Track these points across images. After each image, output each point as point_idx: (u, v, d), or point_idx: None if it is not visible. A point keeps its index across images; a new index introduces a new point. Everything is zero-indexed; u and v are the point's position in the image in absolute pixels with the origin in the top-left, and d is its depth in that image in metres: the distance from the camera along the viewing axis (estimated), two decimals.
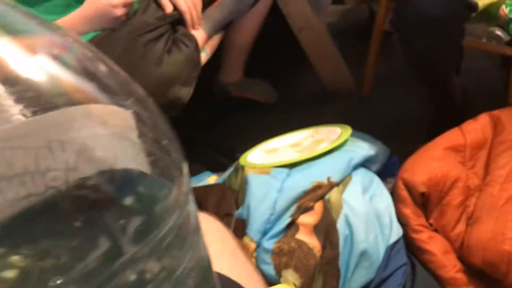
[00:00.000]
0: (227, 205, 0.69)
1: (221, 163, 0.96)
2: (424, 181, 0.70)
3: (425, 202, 0.71)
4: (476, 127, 0.78)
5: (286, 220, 0.62)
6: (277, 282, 0.59)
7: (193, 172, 1.01)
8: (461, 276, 0.66)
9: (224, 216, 0.69)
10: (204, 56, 0.92)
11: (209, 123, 1.15)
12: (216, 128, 1.16)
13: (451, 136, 0.78)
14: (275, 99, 1.19)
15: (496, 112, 0.79)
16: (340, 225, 0.63)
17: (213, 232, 0.37)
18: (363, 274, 0.64)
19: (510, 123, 0.75)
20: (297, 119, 1.05)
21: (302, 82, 1.25)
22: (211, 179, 0.85)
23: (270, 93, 1.17)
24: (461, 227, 0.70)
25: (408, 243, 0.70)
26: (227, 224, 0.66)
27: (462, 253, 0.68)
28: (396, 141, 0.96)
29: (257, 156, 0.81)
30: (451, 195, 0.71)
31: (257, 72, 1.18)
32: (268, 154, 0.81)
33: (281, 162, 0.71)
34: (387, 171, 0.82)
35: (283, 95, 1.17)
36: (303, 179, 0.66)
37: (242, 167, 0.72)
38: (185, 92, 0.79)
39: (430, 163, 0.72)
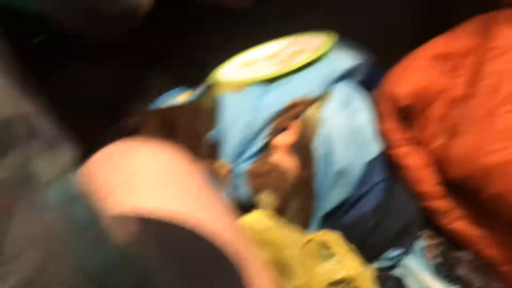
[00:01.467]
0: (198, 126, 0.65)
1: (194, 77, 0.90)
2: (407, 93, 0.66)
3: (408, 115, 0.68)
4: (465, 33, 0.73)
5: (261, 141, 0.59)
6: (253, 204, 0.57)
7: (164, 88, 0.95)
8: (437, 189, 0.66)
9: (196, 138, 0.65)
10: None
11: (180, 33, 1.06)
12: (188, 38, 1.07)
13: (438, 44, 0.73)
14: (251, 3, 1.08)
15: (487, 16, 0.73)
16: (317, 143, 0.60)
17: (173, 168, 0.33)
18: (340, 192, 0.63)
19: (502, 28, 0.69)
20: (278, 25, 0.97)
21: None
22: (182, 96, 0.80)
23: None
24: (441, 140, 0.68)
25: (387, 158, 0.69)
26: (199, 147, 0.63)
27: (441, 167, 0.67)
28: (381, 50, 0.91)
29: (232, 70, 0.75)
30: (435, 106, 0.68)
31: None
32: (244, 68, 0.76)
33: (256, 78, 0.66)
34: (371, 82, 0.78)
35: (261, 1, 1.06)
36: (279, 97, 0.61)
37: (214, 85, 0.67)
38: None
39: (414, 73, 0.68)
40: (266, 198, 0.56)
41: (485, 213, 0.63)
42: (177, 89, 0.89)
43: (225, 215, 0.34)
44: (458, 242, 0.65)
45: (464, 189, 0.64)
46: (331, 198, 0.63)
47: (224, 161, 0.58)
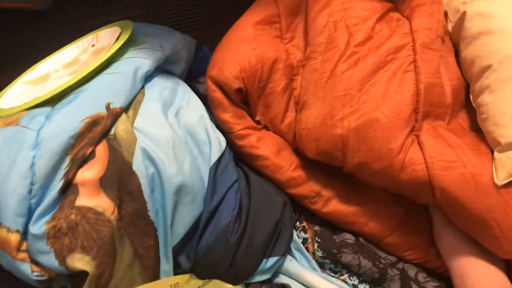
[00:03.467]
0: None
1: None
2: (236, 74, 0.55)
3: (245, 97, 0.58)
4: None
5: (57, 185, 0.43)
6: (65, 272, 0.42)
7: None
8: (299, 174, 0.56)
9: None
10: None
11: None
12: None
13: (261, 6, 0.63)
14: (49, 4, 0.88)
15: None
16: (138, 164, 0.46)
17: None
18: (188, 212, 0.50)
19: None
20: (80, 24, 0.79)
21: None
22: None
23: None
24: (291, 115, 0.59)
25: (235, 152, 0.58)
26: None
27: (296, 146, 0.57)
28: (207, 26, 0.78)
29: (19, 92, 0.57)
30: (273, 80, 0.58)
31: None
32: (34, 87, 0.58)
33: (35, 100, 0.49)
34: (198, 69, 0.66)
35: None
36: (69, 118, 0.45)
37: None
38: None
39: (239, 48, 0.57)
40: (78, 262, 0.40)
41: (355, 187, 0.56)
42: None
43: None
44: (336, 224, 0.57)
45: (327, 165, 0.55)
46: (179, 223, 0.49)
47: (7, 227, 0.41)
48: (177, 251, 0.51)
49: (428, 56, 0.54)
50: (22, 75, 0.62)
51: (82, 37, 0.66)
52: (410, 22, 0.58)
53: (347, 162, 0.52)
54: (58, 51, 0.65)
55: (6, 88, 0.59)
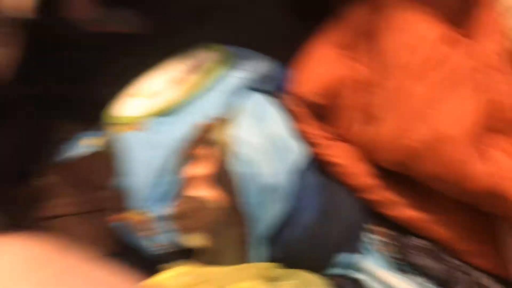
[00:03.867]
0: (102, 175, 0.57)
1: (96, 119, 0.81)
2: (313, 90, 0.63)
3: (321, 111, 0.65)
4: (356, 14, 0.70)
5: (174, 178, 0.53)
6: (182, 248, 0.51)
7: (70, 134, 0.86)
8: (374, 181, 0.63)
9: (102, 188, 0.58)
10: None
11: (73, 73, 0.97)
12: (84, 76, 0.98)
13: (332, 30, 0.70)
14: (140, 27, 1.01)
15: None
16: (237, 165, 0.55)
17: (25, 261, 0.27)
18: (275, 209, 0.58)
19: (388, 2, 0.67)
20: (173, 46, 0.91)
21: None
22: (85, 142, 0.72)
23: (132, 20, 0.99)
24: (361, 128, 0.65)
25: (314, 160, 0.65)
26: (106, 198, 0.56)
27: (369, 156, 0.64)
28: (286, 50, 0.87)
29: (130, 105, 0.68)
30: (343, 96, 0.64)
31: None
32: (144, 100, 0.69)
33: (154, 110, 0.59)
34: (281, 87, 0.74)
35: (149, 19, 0.99)
36: (183, 125, 0.55)
37: (110, 125, 0.60)
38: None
39: (315, 68, 0.65)
40: (196, 239, 0.50)
41: (428, 194, 0.61)
42: (81, 134, 0.80)
43: None
44: (409, 230, 0.62)
45: (400, 174, 0.61)
46: (266, 219, 0.57)
47: (138, 209, 0.51)
48: (269, 241, 0.59)
49: (494, 75, 0.59)
50: (129, 89, 0.74)
51: (180, 59, 0.77)
52: (476, 43, 0.63)
53: (418, 172, 0.58)
54: (159, 70, 0.76)
55: (120, 101, 0.71)
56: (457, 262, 0.60)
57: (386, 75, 0.63)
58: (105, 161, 0.60)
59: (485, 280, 0.59)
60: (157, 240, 0.52)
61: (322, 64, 0.65)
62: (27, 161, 0.88)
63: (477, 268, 0.59)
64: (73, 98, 0.93)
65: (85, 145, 0.70)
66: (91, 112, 0.91)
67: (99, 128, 0.70)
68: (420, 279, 0.60)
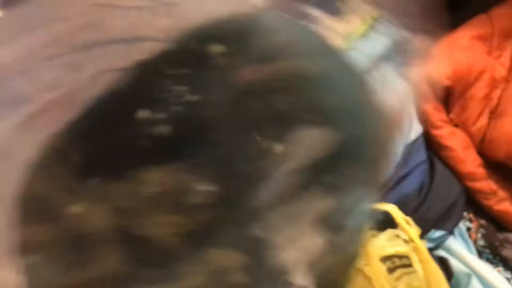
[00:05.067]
0: None
1: None
2: (448, 74, 0.65)
3: (448, 96, 0.68)
4: (506, 12, 0.71)
5: None
6: None
7: None
8: (481, 171, 0.65)
9: None
10: None
11: None
12: None
13: (478, 24, 0.72)
14: None
15: None
16: None
17: None
18: None
19: None
20: None
21: None
22: None
23: None
24: (483, 121, 0.67)
25: (427, 139, 0.68)
26: None
27: (483, 148, 0.66)
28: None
29: None
30: (476, 87, 0.67)
31: None
32: None
33: None
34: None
35: None
36: None
37: None
38: None
39: (454, 54, 0.67)
40: None
41: None
42: None
43: None
44: (502, 224, 0.64)
45: (509, 169, 0.62)
46: None
47: None
48: None
49: None
50: None
51: None
52: None
53: None
54: None
55: None
56: None
57: None
58: None
59: None
60: None
61: (462, 53, 0.67)
62: None
63: None
64: None
65: None
66: None
67: None
68: (508, 274, 0.61)
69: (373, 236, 0.49)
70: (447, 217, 0.64)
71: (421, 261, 0.40)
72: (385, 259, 0.49)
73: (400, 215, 0.39)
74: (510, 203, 0.63)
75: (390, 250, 0.48)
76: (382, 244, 0.48)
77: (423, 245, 0.39)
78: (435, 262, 0.64)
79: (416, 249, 0.40)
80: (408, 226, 0.39)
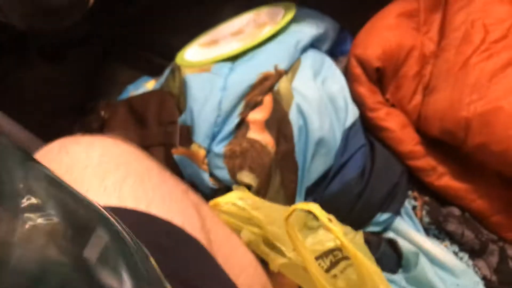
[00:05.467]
0: (169, 112, 0.62)
1: (159, 64, 0.87)
2: (378, 55, 0.64)
3: (381, 77, 0.67)
4: None
5: (234, 120, 0.57)
6: (233, 184, 0.55)
7: (131, 78, 0.91)
8: (419, 149, 0.65)
9: (167, 124, 0.63)
10: None
11: (137, 20, 1.02)
12: (147, 25, 1.03)
13: (404, 1, 0.71)
14: None
15: None
16: (293, 116, 0.58)
17: (113, 158, 0.31)
18: (322, 162, 0.61)
19: None
20: (237, 3, 0.93)
21: None
22: (149, 84, 0.77)
23: None
24: (418, 98, 0.67)
25: (365, 122, 0.68)
26: (171, 133, 0.60)
27: (420, 125, 0.66)
28: (346, 13, 0.88)
29: (196, 52, 0.72)
30: (407, 65, 0.66)
31: None
32: (208, 48, 0.73)
33: (221, 56, 0.63)
34: (339, 49, 0.76)
35: None
36: (247, 72, 0.59)
37: (179, 68, 0.64)
38: None
39: (382, 34, 0.66)
40: (245, 177, 0.54)
41: (469, 166, 0.63)
42: (143, 77, 0.85)
43: (174, 199, 0.32)
44: (445, 198, 0.64)
45: (446, 144, 0.63)
46: (314, 169, 0.61)
47: (199, 144, 0.56)
48: (308, 192, 0.62)
49: None
50: (196, 39, 0.78)
51: (245, 12, 0.80)
52: None
53: (467, 142, 0.59)
54: (224, 22, 0.80)
55: (186, 47, 0.75)
56: (491, 235, 0.62)
57: (453, 50, 0.63)
58: (168, 99, 0.64)
59: None
60: (214, 175, 0.56)
61: (390, 32, 0.66)
62: (89, 98, 0.95)
63: (511, 242, 0.61)
64: (135, 44, 0.99)
65: (147, 85, 0.76)
66: (153, 57, 0.96)
67: (159, 71, 0.75)
68: (454, 247, 0.62)
69: (313, 231, 0.48)
70: (392, 199, 0.64)
71: (351, 257, 0.39)
72: (328, 253, 0.48)
73: (323, 214, 0.38)
74: (449, 177, 0.63)
75: (330, 244, 0.46)
76: (322, 238, 0.47)
77: (348, 243, 0.37)
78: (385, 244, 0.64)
79: (343, 247, 0.39)
80: (331, 225, 0.38)
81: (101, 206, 0.18)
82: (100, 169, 0.29)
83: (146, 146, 0.65)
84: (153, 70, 0.87)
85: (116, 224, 0.17)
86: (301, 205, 0.40)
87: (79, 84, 1.03)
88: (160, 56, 0.88)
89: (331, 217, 0.40)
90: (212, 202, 0.48)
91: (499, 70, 0.59)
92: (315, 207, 0.39)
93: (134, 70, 0.97)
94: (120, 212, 0.26)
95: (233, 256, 0.42)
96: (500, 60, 0.59)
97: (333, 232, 0.37)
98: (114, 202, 0.27)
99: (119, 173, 0.29)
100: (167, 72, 0.68)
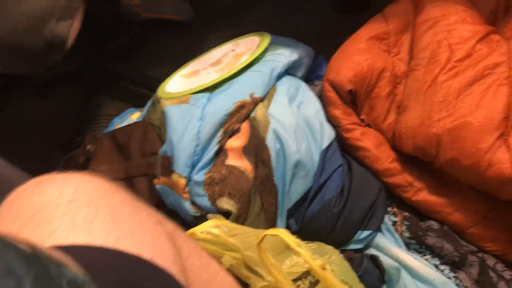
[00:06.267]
0: (151, 143, 0.64)
1: (145, 95, 0.89)
2: (350, 78, 0.67)
3: (354, 98, 0.69)
4: (398, 10, 0.75)
5: (213, 148, 0.59)
6: (214, 212, 0.57)
7: (119, 110, 0.94)
8: (395, 166, 0.67)
9: (149, 155, 0.65)
10: None
11: (125, 53, 1.05)
12: (134, 57, 1.06)
13: (374, 25, 0.74)
14: (191, 16, 1.08)
15: None
16: (270, 141, 0.61)
17: (85, 194, 0.32)
18: (301, 184, 0.63)
19: (430, 1, 0.71)
20: (219, 34, 0.97)
21: None
22: (134, 116, 0.79)
23: (184, 10, 1.07)
24: (391, 117, 0.69)
25: (342, 143, 0.70)
26: (153, 163, 0.62)
27: (394, 143, 0.68)
28: (322, 40, 0.92)
29: (177, 83, 0.75)
30: (379, 86, 0.69)
31: None
32: (188, 79, 0.75)
33: (199, 87, 0.66)
34: (314, 74, 0.79)
35: (199, 9, 1.06)
36: (224, 101, 0.61)
37: (159, 100, 0.67)
38: (65, 28, 0.67)
39: (354, 58, 0.69)
40: (225, 204, 0.55)
41: (445, 181, 0.65)
42: (129, 109, 0.88)
43: (145, 230, 0.33)
44: (423, 213, 0.66)
45: (421, 160, 0.65)
46: (293, 191, 0.63)
47: (179, 174, 0.58)
48: (289, 213, 0.64)
49: None
50: (177, 70, 0.81)
51: (223, 43, 0.83)
52: (509, 43, 0.65)
53: (439, 158, 0.61)
54: (203, 54, 0.83)
55: (167, 79, 0.78)
56: (470, 246, 0.63)
57: (421, 69, 0.66)
58: (150, 131, 0.67)
59: (498, 265, 0.62)
60: (195, 203, 0.58)
61: (361, 55, 0.69)
62: (75, 132, 0.97)
63: (489, 253, 0.62)
64: (119, 75, 1.02)
65: (132, 117, 0.78)
66: (136, 89, 0.99)
67: (144, 103, 0.77)
68: (435, 261, 0.63)
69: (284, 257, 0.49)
70: (371, 216, 0.65)
71: (320, 279, 0.41)
72: (307, 274, 0.49)
73: (291, 239, 0.39)
74: (426, 192, 0.65)
75: (302, 268, 0.48)
76: (300, 260, 0.49)
77: (317, 266, 0.39)
78: (368, 261, 0.65)
79: (311, 270, 0.40)
80: (299, 249, 0.40)
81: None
82: (72, 206, 0.30)
83: (130, 177, 0.67)
84: (139, 102, 0.89)
85: None
86: (270, 230, 0.42)
87: (68, 117, 1.05)
88: (146, 88, 0.91)
89: (299, 241, 0.41)
90: (188, 232, 0.49)
91: (465, 87, 0.62)
92: (283, 232, 0.40)
93: (120, 102, 1.00)
94: (86, 251, 0.28)
95: (213, 282, 0.43)
96: (465, 77, 0.62)
97: (302, 256, 0.39)
98: (82, 239, 0.28)
99: (90, 209, 0.30)
100: (149, 104, 0.71)
